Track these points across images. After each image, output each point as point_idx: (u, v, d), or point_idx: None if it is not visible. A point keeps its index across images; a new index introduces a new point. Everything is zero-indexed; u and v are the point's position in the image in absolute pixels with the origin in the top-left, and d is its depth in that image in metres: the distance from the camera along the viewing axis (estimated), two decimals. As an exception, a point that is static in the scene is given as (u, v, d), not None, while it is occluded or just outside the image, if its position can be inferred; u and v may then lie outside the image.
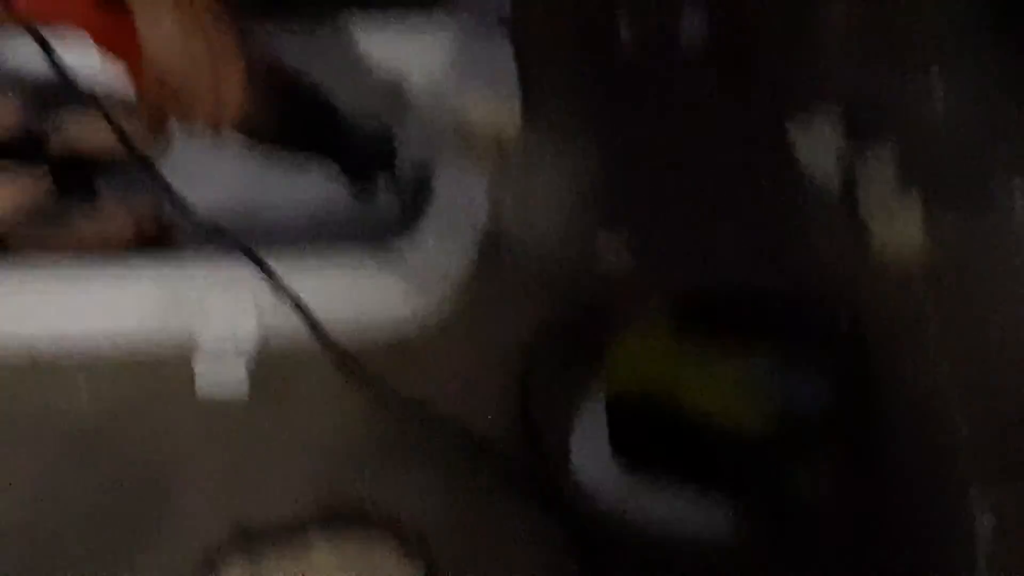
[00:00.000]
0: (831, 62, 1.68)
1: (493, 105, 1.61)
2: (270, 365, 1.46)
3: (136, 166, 1.47)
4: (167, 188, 1.42)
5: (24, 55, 1.73)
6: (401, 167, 1.58)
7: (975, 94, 1.62)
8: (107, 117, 1.42)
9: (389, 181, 1.58)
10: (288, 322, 1.43)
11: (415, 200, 1.55)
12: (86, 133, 1.66)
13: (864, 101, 1.62)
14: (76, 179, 1.59)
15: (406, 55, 1.69)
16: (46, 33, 1.42)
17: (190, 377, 1.45)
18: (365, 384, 1.39)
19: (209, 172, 1.62)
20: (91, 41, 1.44)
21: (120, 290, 1.48)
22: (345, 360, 1.38)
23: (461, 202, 1.53)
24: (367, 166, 1.58)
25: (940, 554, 1.26)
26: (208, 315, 1.46)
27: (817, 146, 1.57)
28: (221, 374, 1.44)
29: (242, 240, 1.51)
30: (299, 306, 1.40)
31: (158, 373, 1.48)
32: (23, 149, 1.63)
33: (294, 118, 1.53)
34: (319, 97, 1.55)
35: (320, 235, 1.55)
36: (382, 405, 1.40)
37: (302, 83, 1.54)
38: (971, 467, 1.31)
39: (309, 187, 1.58)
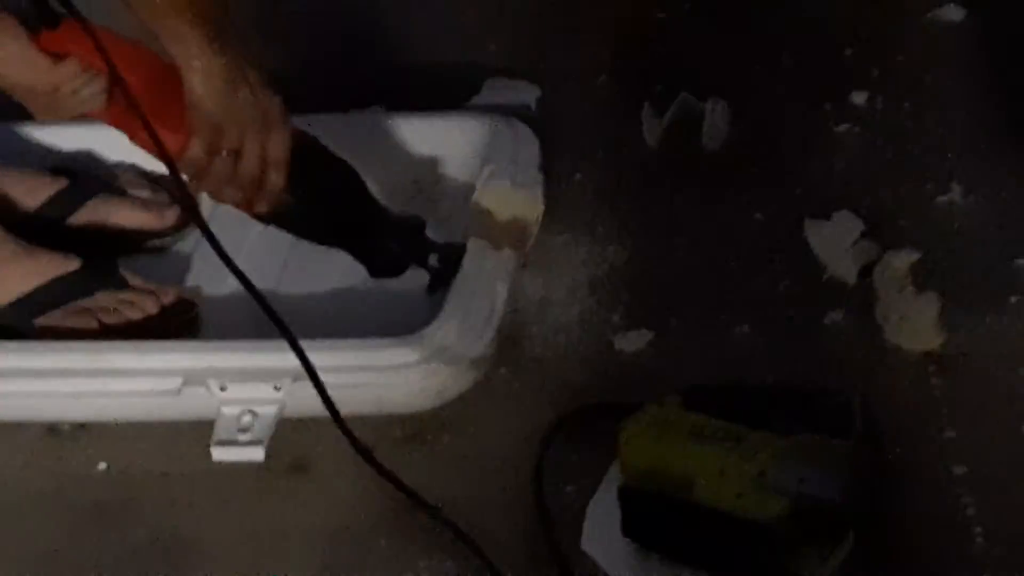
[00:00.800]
0: (849, 165, 1.71)
1: (517, 197, 1.63)
2: (287, 439, 1.47)
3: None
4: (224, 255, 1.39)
5: (61, 138, 1.77)
6: (431, 261, 1.59)
7: (992, 198, 1.64)
8: (180, 184, 1.39)
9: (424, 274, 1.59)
10: (306, 398, 1.44)
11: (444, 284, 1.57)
12: (113, 215, 1.68)
13: (881, 203, 1.64)
14: (102, 259, 1.61)
15: (435, 149, 1.72)
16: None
17: (206, 449, 1.46)
18: (379, 474, 1.39)
19: (237, 251, 1.64)
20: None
21: (140, 365, 1.50)
22: (360, 450, 1.38)
23: (481, 292, 1.54)
24: (396, 264, 1.58)
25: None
26: (227, 391, 1.48)
27: (834, 244, 1.59)
28: (238, 449, 1.45)
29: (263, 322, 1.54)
30: (320, 391, 1.39)
31: (175, 445, 1.50)
32: (51, 227, 1.66)
33: (327, 206, 1.53)
34: (356, 187, 1.55)
35: (344, 319, 1.56)
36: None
37: (339, 168, 1.54)
38: (985, 559, 1.31)
39: (335, 271, 1.60)
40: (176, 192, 1.44)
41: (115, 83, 1.38)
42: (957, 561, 1.31)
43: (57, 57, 1.40)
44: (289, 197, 1.47)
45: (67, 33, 1.39)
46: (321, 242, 1.56)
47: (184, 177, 1.41)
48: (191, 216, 1.43)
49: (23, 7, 1.39)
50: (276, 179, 1.45)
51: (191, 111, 1.41)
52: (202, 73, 1.39)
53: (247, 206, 1.48)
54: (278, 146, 1.44)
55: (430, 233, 1.59)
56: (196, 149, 1.42)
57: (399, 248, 1.57)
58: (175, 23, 1.38)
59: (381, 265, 1.57)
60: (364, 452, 1.36)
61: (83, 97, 1.42)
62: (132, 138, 1.43)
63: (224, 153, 1.42)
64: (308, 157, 1.48)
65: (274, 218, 1.51)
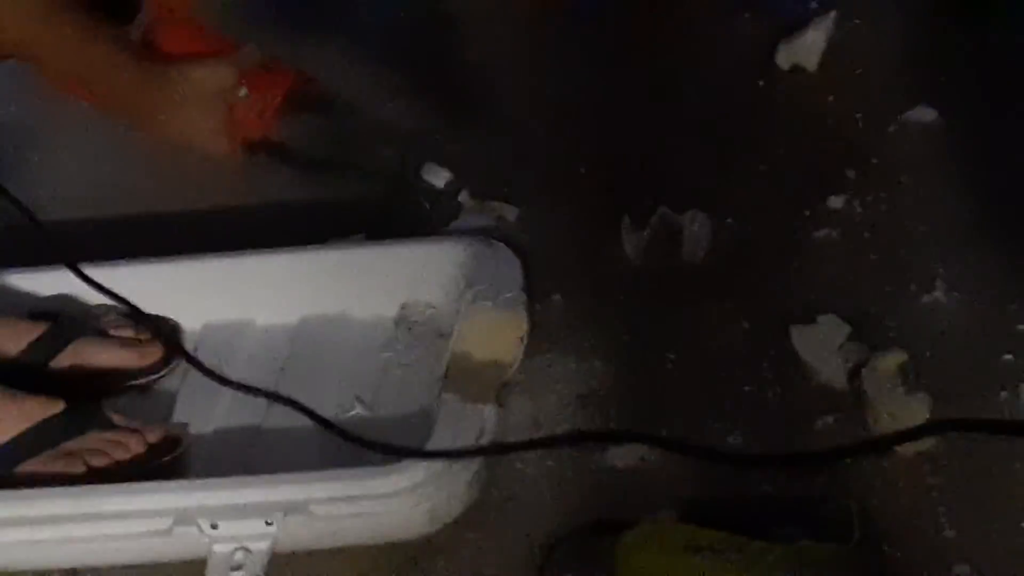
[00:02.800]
0: (831, 269, 1.71)
1: (502, 318, 1.63)
2: (281, 573, 1.45)
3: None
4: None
5: (39, 283, 1.77)
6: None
7: (976, 295, 1.64)
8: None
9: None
10: (298, 531, 1.43)
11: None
12: (95, 356, 1.68)
13: (866, 305, 1.64)
14: (86, 401, 1.60)
15: (414, 276, 1.72)
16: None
17: (201, 592, 1.45)
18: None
19: (218, 394, 1.64)
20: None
21: (129, 507, 1.48)
22: None
23: (469, 415, 1.53)
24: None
25: None
26: (218, 528, 1.46)
27: (821, 349, 1.58)
28: (233, 589, 1.44)
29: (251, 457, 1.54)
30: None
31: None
32: (33, 372, 1.65)
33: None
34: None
35: (329, 454, 1.55)
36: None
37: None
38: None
39: (322, 401, 1.59)
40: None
41: None
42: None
43: None
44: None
45: None
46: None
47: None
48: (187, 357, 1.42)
49: None
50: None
51: None
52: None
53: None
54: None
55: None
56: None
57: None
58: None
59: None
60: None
61: None
62: None
63: None
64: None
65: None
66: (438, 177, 1.88)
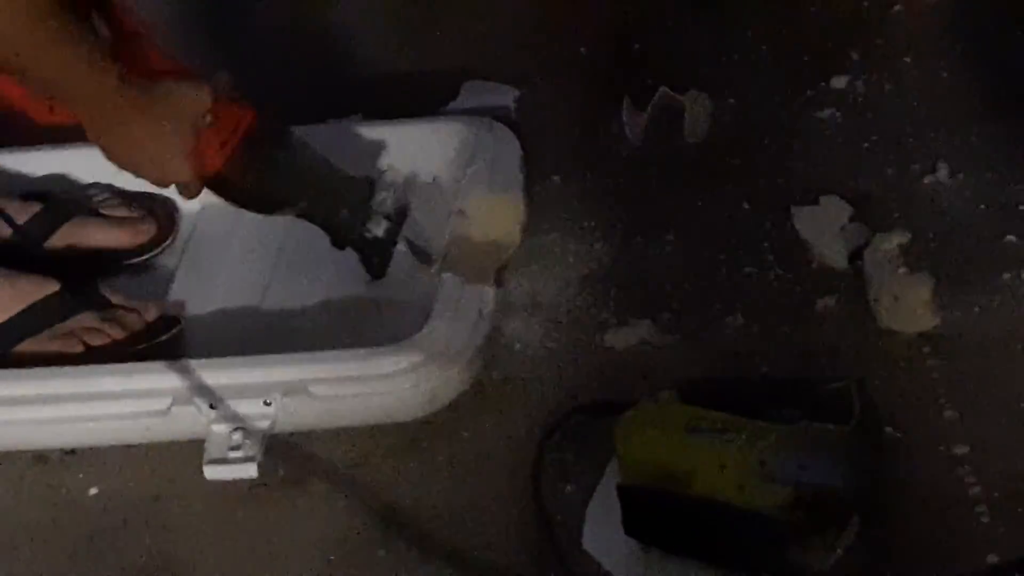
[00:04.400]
0: (833, 150, 1.70)
1: (499, 200, 1.62)
2: (279, 454, 1.46)
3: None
4: None
5: (32, 163, 1.76)
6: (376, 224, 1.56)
7: (979, 176, 1.63)
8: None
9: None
10: (299, 413, 1.43)
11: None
12: (89, 236, 1.67)
13: (868, 186, 1.63)
14: (81, 280, 1.59)
15: (415, 155, 1.71)
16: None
17: (198, 469, 1.44)
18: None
19: (216, 273, 1.63)
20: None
21: (128, 387, 1.48)
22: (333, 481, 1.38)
23: (469, 295, 1.53)
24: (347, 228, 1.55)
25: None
26: (217, 409, 1.46)
27: (822, 229, 1.58)
28: (230, 467, 1.44)
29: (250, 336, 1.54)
30: None
31: (167, 466, 1.48)
32: (27, 253, 1.64)
33: (271, 178, 1.50)
34: (299, 157, 1.53)
35: (332, 330, 1.55)
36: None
37: (280, 143, 1.52)
38: (990, 537, 1.29)
39: (320, 284, 1.58)
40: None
41: None
42: (962, 540, 1.30)
43: None
44: (230, 178, 1.47)
45: None
46: (266, 212, 1.55)
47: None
48: None
49: None
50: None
51: None
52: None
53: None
54: (186, 193, 1.48)
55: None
56: None
57: (349, 216, 1.54)
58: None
59: (332, 229, 1.54)
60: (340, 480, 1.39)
61: None
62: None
63: None
64: (253, 141, 1.47)
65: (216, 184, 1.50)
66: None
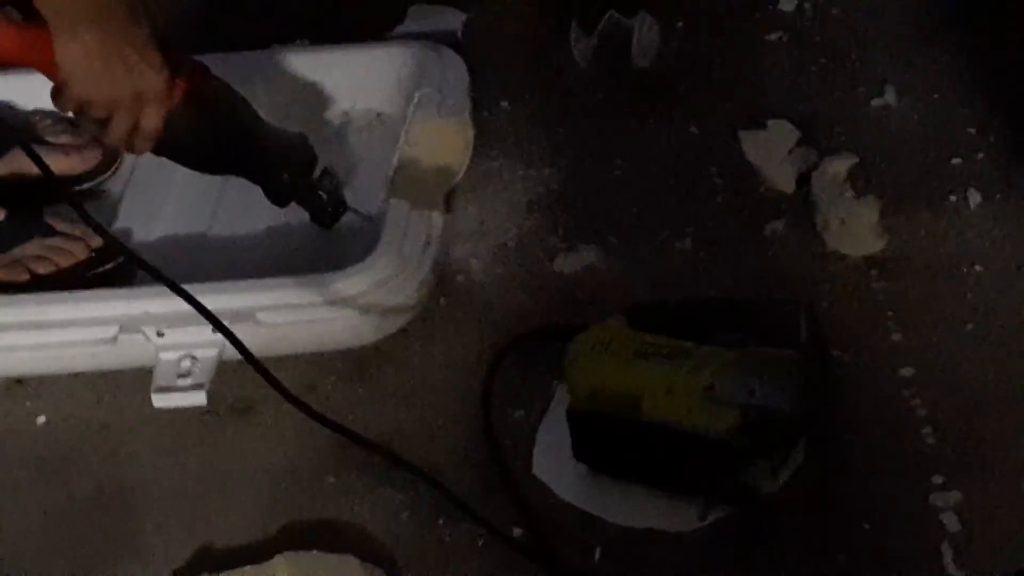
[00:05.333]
0: (781, 73, 1.69)
1: (447, 123, 1.61)
2: (228, 381, 1.45)
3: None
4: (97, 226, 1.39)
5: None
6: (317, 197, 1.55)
7: (926, 100, 1.63)
8: (35, 158, 1.38)
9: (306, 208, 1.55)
10: (247, 340, 1.42)
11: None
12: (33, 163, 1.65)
13: (816, 110, 1.63)
14: (26, 208, 1.58)
15: (363, 80, 1.70)
16: None
17: (147, 397, 1.44)
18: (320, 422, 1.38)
19: (163, 200, 1.62)
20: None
21: (75, 315, 1.47)
22: (297, 403, 1.37)
23: (416, 222, 1.52)
24: (284, 192, 1.53)
25: (905, 545, 1.26)
26: (165, 336, 1.45)
27: (770, 153, 1.58)
28: (179, 395, 1.43)
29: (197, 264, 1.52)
30: (243, 350, 1.36)
31: (115, 395, 1.47)
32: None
33: (217, 139, 1.47)
34: (248, 124, 1.50)
35: (280, 258, 1.54)
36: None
37: (233, 108, 1.49)
38: (935, 458, 1.31)
39: (268, 211, 1.57)
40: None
41: None
42: (908, 462, 1.31)
43: None
44: (174, 138, 1.43)
45: None
46: (206, 173, 1.52)
47: None
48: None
49: None
50: (143, 146, 1.42)
51: (60, 78, 1.37)
52: (73, 52, 1.34)
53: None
54: (150, 120, 1.40)
55: (343, 171, 1.57)
56: (64, 106, 1.39)
57: (287, 180, 1.52)
58: None
59: (271, 192, 1.52)
60: (300, 404, 1.36)
61: None
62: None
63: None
64: (200, 99, 1.43)
65: (157, 153, 1.46)
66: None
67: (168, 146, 1.44)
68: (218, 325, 1.36)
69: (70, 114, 1.43)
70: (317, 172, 1.53)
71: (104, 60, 1.35)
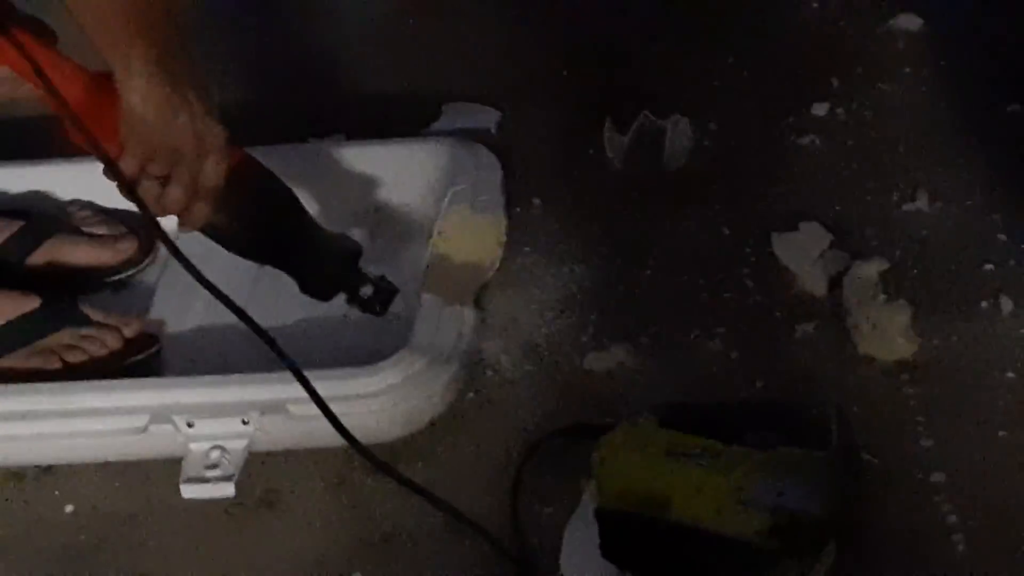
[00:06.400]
0: (814, 177, 1.70)
1: (481, 220, 1.62)
2: (257, 473, 1.46)
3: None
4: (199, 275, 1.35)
5: (12, 180, 1.76)
6: (363, 291, 1.54)
7: (958, 204, 1.64)
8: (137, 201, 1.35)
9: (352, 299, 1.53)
10: (275, 431, 1.43)
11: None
12: (70, 253, 1.66)
13: (848, 213, 1.64)
14: (61, 297, 1.59)
15: (396, 176, 1.71)
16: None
17: (175, 487, 1.44)
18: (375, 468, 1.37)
19: (196, 292, 1.62)
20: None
21: (105, 404, 1.47)
22: (354, 444, 1.36)
23: (448, 317, 1.53)
24: (326, 287, 1.52)
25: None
26: (195, 427, 1.45)
27: (802, 256, 1.58)
28: (208, 486, 1.43)
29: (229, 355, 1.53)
30: (312, 393, 1.36)
31: (143, 484, 1.48)
32: (8, 270, 1.63)
33: (262, 226, 1.48)
34: (292, 209, 1.50)
35: (314, 346, 1.54)
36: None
37: (277, 192, 1.49)
38: (966, 566, 1.30)
39: (302, 298, 1.57)
40: (143, 218, 1.38)
41: (48, 93, 1.35)
42: (939, 569, 1.31)
43: None
44: (220, 217, 1.42)
45: (5, 42, 1.34)
46: (251, 258, 1.52)
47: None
48: (165, 244, 1.38)
49: None
50: (203, 207, 1.40)
51: (126, 129, 1.35)
52: (141, 93, 1.33)
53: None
54: (210, 176, 1.38)
55: (376, 265, 1.56)
56: (127, 166, 1.36)
57: (332, 272, 1.52)
58: (120, 37, 1.32)
59: (312, 285, 1.52)
60: (357, 445, 1.35)
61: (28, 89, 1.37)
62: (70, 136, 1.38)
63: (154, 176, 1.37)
64: (244, 178, 1.43)
65: (203, 232, 1.45)
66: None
67: (220, 217, 1.42)
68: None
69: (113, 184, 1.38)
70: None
71: (171, 104, 1.34)
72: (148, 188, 1.37)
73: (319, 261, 1.51)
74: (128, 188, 1.36)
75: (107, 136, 1.36)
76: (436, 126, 1.81)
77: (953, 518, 1.34)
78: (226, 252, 1.48)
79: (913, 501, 1.36)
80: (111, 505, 1.47)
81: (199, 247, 1.49)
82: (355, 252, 1.53)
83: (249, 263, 1.53)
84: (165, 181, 1.36)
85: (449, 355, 1.50)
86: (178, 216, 1.40)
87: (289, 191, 1.49)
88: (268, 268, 1.53)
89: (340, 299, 1.52)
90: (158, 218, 1.39)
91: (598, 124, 1.76)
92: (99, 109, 1.36)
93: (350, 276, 1.52)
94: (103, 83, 1.36)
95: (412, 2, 2.04)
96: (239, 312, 1.36)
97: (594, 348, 1.54)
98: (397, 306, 1.53)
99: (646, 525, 1.31)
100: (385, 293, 1.53)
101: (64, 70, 1.37)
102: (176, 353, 1.57)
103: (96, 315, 1.57)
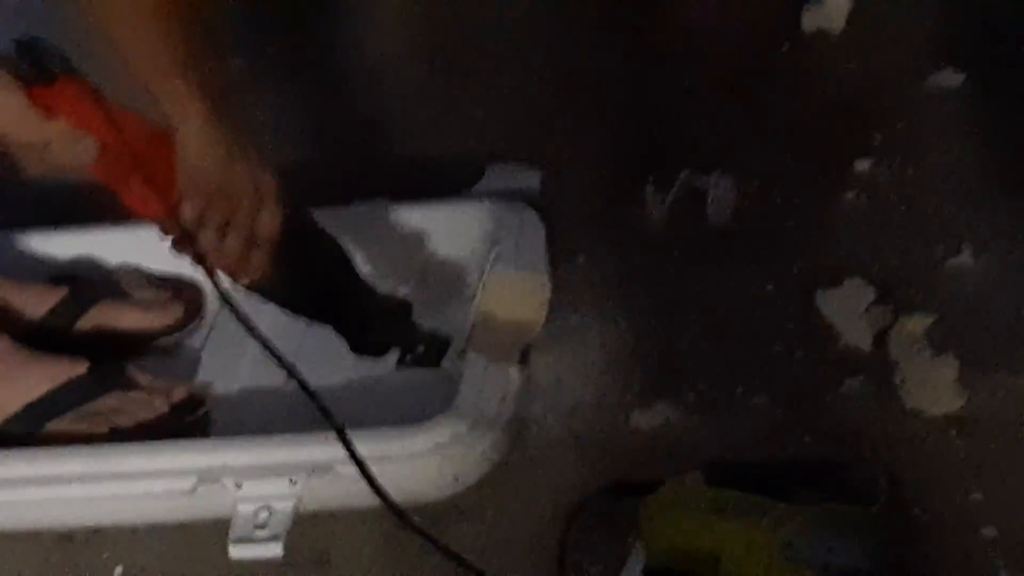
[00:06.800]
0: (857, 232, 1.70)
1: (525, 281, 1.62)
2: (305, 533, 1.45)
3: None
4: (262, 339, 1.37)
5: (59, 245, 1.77)
6: (417, 345, 1.56)
7: (1003, 258, 1.63)
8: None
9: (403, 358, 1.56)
10: (323, 491, 1.43)
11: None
12: (117, 319, 1.68)
13: (892, 268, 1.63)
14: (109, 361, 1.60)
15: (440, 237, 1.72)
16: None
17: (223, 548, 1.44)
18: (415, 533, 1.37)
19: (241, 354, 1.64)
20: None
21: (154, 466, 1.48)
22: (396, 512, 1.37)
23: (493, 376, 1.53)
24: (378, 343, 1.55)
25: None
26: (242, 488, 1.46)
27: (847, 311, 1.58)
28: (256, 546, 1.43)
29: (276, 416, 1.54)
30: (351, 452, 1.37)
31: (191, 546, 1.48)
32: (56, 336, 1.65)
33: (314, 280, 1.49)
34: (344, 263, 1.52)
35: (358, 407, 1.54)
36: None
37: (329, 246, 1.51)
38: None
39: (347, 359, 1.58)
40: (202, 269, 1.38)
41: (105, 142, 1.36)
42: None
43: (49, 113, 1.37)
44: (274, 270, 1.43)
45: (61, 91, 1.37)
46: (303, 315, 1.52)
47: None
48: (219, 291, 1.38)
49: (20, 63, 1.37)
50: (260, 257, 1.41)
51: (184, 177, 1.36)
52: (200, 139, 1.35)
53: (228, 275, 1.43)
54: (267, 224, 1.39)
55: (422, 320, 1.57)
56: (185, 215, 1.37)
57: (384, 328, 1.54)
58: (177, 85, 1.34)
59: (364, 343, 1.54)
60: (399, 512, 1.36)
61: (75, 154, 1.38)
62: (122, 196, 1.40)
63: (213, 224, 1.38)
64: (296, 232, 1.44)
65: (257, 288, 1.46)
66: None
67: (273, 270, 1.43)
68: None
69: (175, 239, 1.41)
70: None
71: (228, 151, 1.35)
72: (206, 238, 1.37)
73: (371, 316, 1.52)
74: (187, 238, 1.37)
75: (162, 190, 1.37)
76: (479, 187, 1.82)
77: (1004, 573, 1.33)
78: (272, 312, 1.49)
79: (964, 556, 1.34)
80: (160, 567, 1.47)
81: (249, 305, 1.50)
82: (406, 306, 1.54)
83: (295, 323, 1.54)
84: (222, 233, 1.37)
85: (494, 415, 1.50)
86: (234, 267, 1.40)
87: (339, 246, 1.50)
88: (314, 328, 1.55)
89: (387, 359, 1.52)
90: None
91: (640, 182, 1.77)
92: (158, 163, 1.37)
93: (403, 329, 1.53)
94: (160, 136, 1.37)
95: (453, 66, 2.06)
96: (288, 367, 1.37)
97: (639, 406, 1.54)
98: (445, 361, 1.54)
99: (695, 584, 1.31)
100: (439, 343, 1.53)
101: (128, 120, 1.39)
102: (223, 414, 1.57)
103: (143, 379, 1.58)
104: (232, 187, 1.36)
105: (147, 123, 1.39)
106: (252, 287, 1.45)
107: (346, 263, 1.51)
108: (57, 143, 1.38)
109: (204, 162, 1.35)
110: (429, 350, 1.54)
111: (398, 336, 1.54)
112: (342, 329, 1.52)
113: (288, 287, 1.46)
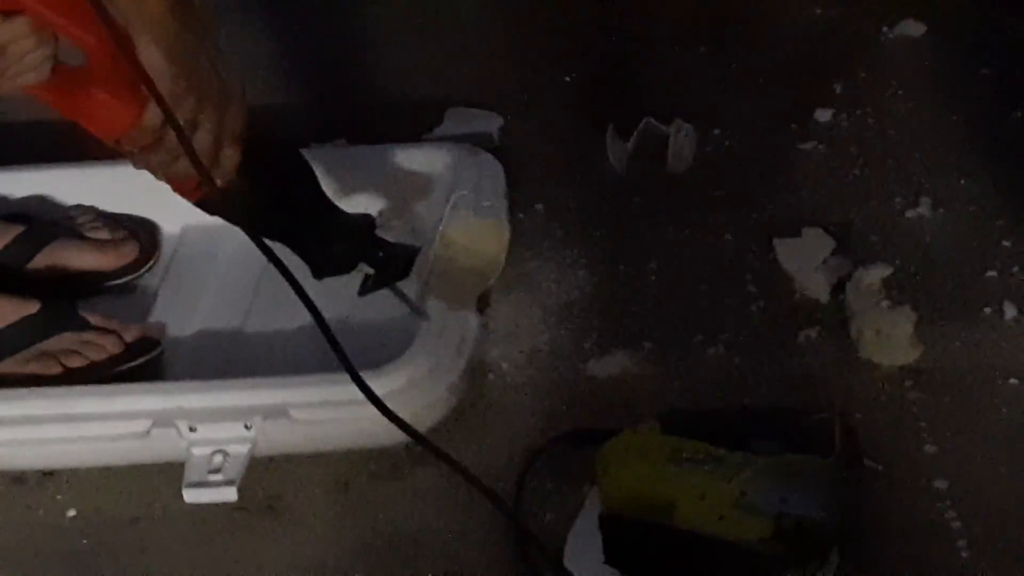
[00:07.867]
0: (817, 183, 1.70)
1: (483, 225, 1.62)
2: (259, 478, 1.45)
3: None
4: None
5: (14, 184, 1.75)
6: (383, 256, 1.52)
7: (961, 211, 1.64)
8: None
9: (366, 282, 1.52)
10: (277, 435, 1.42)
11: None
12: (71, 258, 1.66)
13: (851, 219, 1.64)
14: (61, 301, 1.58)
15: (399, 181, 1.71)
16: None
17: (177, 492, 1.43)
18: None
19: (198, 295, 1.63)
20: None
21: (107, 408, 1.47)
22: (415, 436, 1.35)
23: (451, 322, 1.52)
24: (344, 259, 1.50)
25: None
26: (197, 432, 1.45)
27: (805, 262, 1.58)
28: (210, 490, 1.43)
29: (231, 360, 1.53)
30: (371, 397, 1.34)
31: (145, 489, 1.47)
32: (9, 275, 1.63)
33: (276, 192, 1.43)
34: (306, 176, 1.46)
35: (314, 354, 1.53)
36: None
37: (294, 158, 1.46)
38: (970, 572, 1.29)
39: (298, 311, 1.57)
40: (194, 166, 1.33)
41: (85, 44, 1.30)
42: (942, 574, 1.30)
43: (8, 13, 1.25)
44: (239, 180, 1.37)
45: None
46: (266, 235, 1.48)
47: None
48: (246, 231, 1.35)
49: None
50: (231, 154, 1.35)
51: (148, 78, 1.28)
52: (161, 37, 1.28)
53: (193, 186, 1.36)
54: (236, 118, 1.34)
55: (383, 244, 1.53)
56: (151, 117, 1.30)
57: (349, 242, 1.49)
58: None
59: (328, 262, 1.49)
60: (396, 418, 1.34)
61: (30, 63, 1.26)
62: (72, 116, 1.31)
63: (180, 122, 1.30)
64: (262, 136, 1.39)
65: (220, 206, 1.38)
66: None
67: (241, 181, 1.38)
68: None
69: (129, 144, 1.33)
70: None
71: (191, 52, 1.30)
72: (173, 138, 1.32)
73: (336, 229, 1.49)
74: (177, 132, 1.32)
75: (123, 97, 1.29)
76: (438, 131, 1.81)
77: (957, 524, 1.34)
78: (230, 255, 1.47)
79: (916, 507, 1.36)
80: (113, 509, 1.46)
81: (205, 247, 1.49)
82: (370, 220, 1.52)
83: (251, 267, 1.52)
84: (191, 129, 1.31)
85: (452, 360, 1.50)
86: (207, 168, 1.35)
87: (302, 156, 1.46)
88: (270, 273, 1.53)
89: (344, 302, 1.51)
90: (182, 178, 1.35)
91: (601, 130, 1.76)
92: (114, 64, 1.28)
93: (369, 243, 1.51)
94: (117, 38, 1.30)
95: (413, 9, 2.05)
96: (307, 302, 1.34)
97: (597, 354, 1.54)
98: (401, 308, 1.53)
99: (649, 531, 1.31)
100: (407, 252, 1.52)
101: (83, 17, 1.26)
102: (178, 357, 1.56)
103: (96, 320, 1.57)
104: (196, 83, 1.31)
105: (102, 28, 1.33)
106: (215, 205, 1.39)
107: (309, 173, 1.47)
108: (13, 47, 1.26)
109: (166, 59, 1.29)
110: (397, 260, 1.52)
111: (363, 249, 1.51)
112: (306, 250, 1.49)
113: (254, 197, 1.43)
